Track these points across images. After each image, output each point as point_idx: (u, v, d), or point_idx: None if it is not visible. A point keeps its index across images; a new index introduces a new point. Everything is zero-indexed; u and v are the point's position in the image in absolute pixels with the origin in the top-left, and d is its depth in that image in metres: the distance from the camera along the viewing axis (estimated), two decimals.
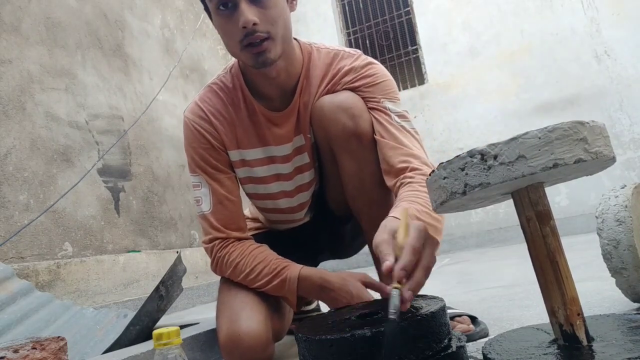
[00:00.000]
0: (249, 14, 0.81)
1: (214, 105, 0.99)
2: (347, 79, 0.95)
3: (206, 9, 0.90)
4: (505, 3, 3.57)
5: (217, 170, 0.98)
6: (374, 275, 0.91)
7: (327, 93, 0.95)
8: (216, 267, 0.98)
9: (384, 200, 0.95)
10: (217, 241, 0.96)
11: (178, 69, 3.49)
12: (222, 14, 0.84)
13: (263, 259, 0.94)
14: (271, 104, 0.97)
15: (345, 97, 0.92)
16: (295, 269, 0.91)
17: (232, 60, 1.02)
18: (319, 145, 1.00)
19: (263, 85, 0.96)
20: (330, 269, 0.99)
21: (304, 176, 1.03)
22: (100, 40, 2.77)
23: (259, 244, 0.98)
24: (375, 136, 0.91)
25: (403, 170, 0.86)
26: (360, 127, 0.90)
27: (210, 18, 0.91)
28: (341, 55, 0.98)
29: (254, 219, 1.21)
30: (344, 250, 1.27)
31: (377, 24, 4.20)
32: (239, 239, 0.98)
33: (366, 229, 0.98)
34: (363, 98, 0.93)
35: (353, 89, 0.94)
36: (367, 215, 0.96)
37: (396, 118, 0.91)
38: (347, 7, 4.27)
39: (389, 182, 0.89)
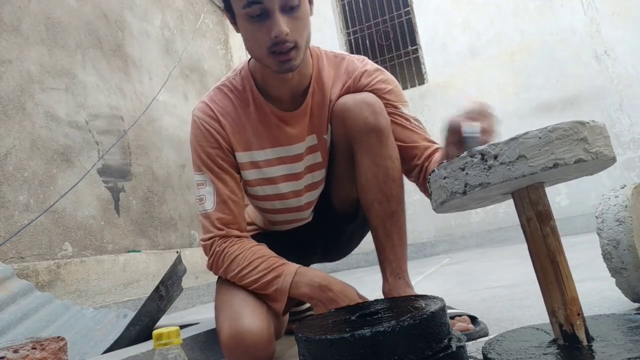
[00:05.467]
0: (282, 25, 0.83)
1: (224, 106, 1.01)
2: (364, 81, 1.02)
3: (227, 8, 0.90)
4: (505, 3, 3.57)
5: (223, 170, 0.99)
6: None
7: (345, 93, 1.02)
8: (212, 262, 0.98)
9: (395, 195, 0.98)
10: (217, 238, 0.97)
11: (178, 69, 3.49)
12: (253, 21, 0.85)
13: (262, 255, 0.94)
14: (282, 105, 1.01)
15: (368, 95, 0.99)
16: (292, 266, 0.92)
17: (241, 62, 1.06)
18: (336, 143, 1.04)
19: (276, 87, 0.99)
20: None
21: (315, 175, 1.07)
22: (100, 40, 2.77)
23: (258, 243, 0.99)
24: (398, 140, 1.01)
25: (431, 148, 1.01)
26: (381, 123, 0.97)
27: (232, 18, 0.91)
28: (348, 59, 1.05)
29: (250, 223, 1.22)
30: (338, 251, 1.28)
31: (377, 24, 4.20)
32: (239, 237, 0.99)
33: (374, 225, 1.00)
34: (384, 100, 1.01)
35: (376, 93, 1.01)
36: (377, 210, 0.99)
37: (415, 122, 1.03)
38: (347, 7, 4.26)
39: (416, 161, 1.02)
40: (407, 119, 1.03)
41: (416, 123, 1.04)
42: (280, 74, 0.91)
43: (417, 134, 1.03)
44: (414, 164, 1.02)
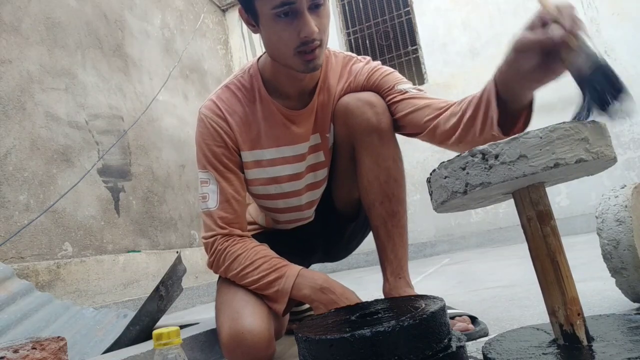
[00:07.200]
0: (312, 24, 0.83)
1: (231, 104, 1.01)
2: (364, 72, 1.02)
3: (248, 9, 0.89)
4: (505, 3, 3.57)
5: (228, 169, 1.00)
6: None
7: (347, 91, 1.01)
8: (213, 261, 0.98)
9: (397, 195, 0.98)
10: (219, 236, 0.97)
11: (178, 69, 3.49)
12: (280, 20, 0.84)
13: (264, 255, 0.95)
14: (289, 103, 1.01)
15: (370, 95, 0.98)
16: (295, 268, 0.92)
17: (250, 61, 1.05)
18: (338, 143, 1.04)
19: (286, 85, 0.99)
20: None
21: (317, 174, 1.07)
22: (100, 40, 2.77)
23: (260, 243, 0.99)
24: (400, 115, 0.97)
25: (440, 103, 0.93)
26: (383, 123, 0.96)
27: (251, 18, 0.90)
28: (354, 60, 1.05)
29: (251, 222, 1.22)
30: (339, 251, 1.28)
31: (377, 24, 4.20)
32: (241, 237, 0.99)
33: (376, 225, 1.00)
34: (380, 88, 0.99)
35: (372, 82, 1.00)
36: (378, 210, 0.99)
37: (413, 90, 0.98)
38: (347, 7, 4.26)
39: (433, 121, 0.91)
40: (407, 91, 0.97)
41: (415, 91, 0.98)
42: (305, 73, 0.92)
43: (418, 99, 0.95)
44: (425, 123, 0.93)
